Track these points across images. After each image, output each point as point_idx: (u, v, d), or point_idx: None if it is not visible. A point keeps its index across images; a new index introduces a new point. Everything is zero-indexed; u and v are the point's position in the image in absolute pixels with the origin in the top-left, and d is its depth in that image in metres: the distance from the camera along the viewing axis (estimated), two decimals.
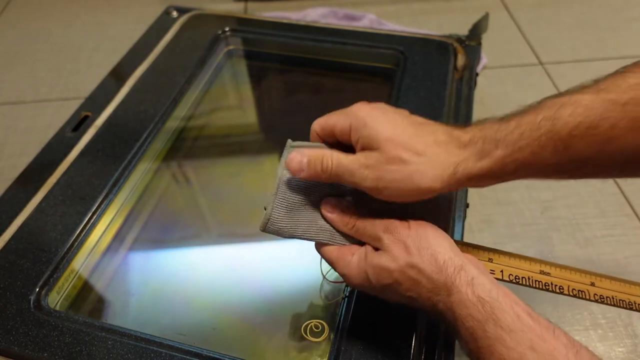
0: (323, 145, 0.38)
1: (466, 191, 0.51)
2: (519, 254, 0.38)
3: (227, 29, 0.72)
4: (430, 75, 0.62)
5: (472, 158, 0.32)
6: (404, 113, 0.36)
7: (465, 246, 0.38)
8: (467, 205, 0.51)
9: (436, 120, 0.36)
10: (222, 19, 0.74)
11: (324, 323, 0.45)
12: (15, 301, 0.42)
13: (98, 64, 0.97)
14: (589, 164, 0.31)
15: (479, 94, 0.77)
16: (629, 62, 0.33)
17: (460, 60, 0.65)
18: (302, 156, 0.36)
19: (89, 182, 0.52)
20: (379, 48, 0.68)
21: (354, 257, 0.36)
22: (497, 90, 0.90)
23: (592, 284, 0.36)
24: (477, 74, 0.65)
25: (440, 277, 0.32)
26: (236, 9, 1.10)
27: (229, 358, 0.39)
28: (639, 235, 0.68)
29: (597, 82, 0.32)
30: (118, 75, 0.65)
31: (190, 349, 0.40)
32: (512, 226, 0.69)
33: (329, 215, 0.37)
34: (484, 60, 0.95)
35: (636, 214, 0.70)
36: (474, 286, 0.31)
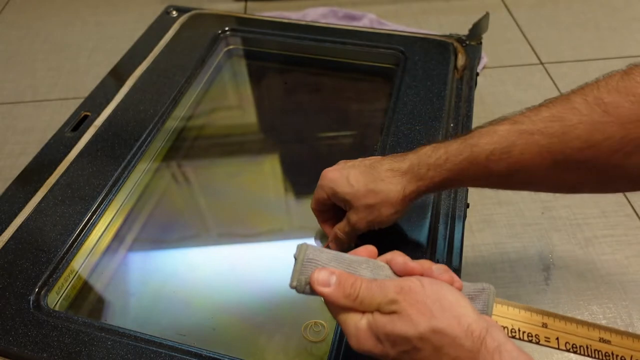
0: (337, 253, 0.35)
1: (466, 191, 0.51)
2: (575, 318, 0.35)
3: (227, 28, 0.72)
4: (430, 75, 0.62)
5: (412, 181, 0.41)
6: (357, 163, 0.45)
7: (517, 308, 0.35)
8: (467, 205, 0.51)
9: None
10: (222, 18, 0.74)
11: (324, 323, 0.45)
12: (14, 301, 0.42)
13: (98, 64, 0.97)
14: (513, 179, 0.37)
15: (479, 93, 0.77)
16: (629, 61, 0.33)
17: (461, 60, 0.65)
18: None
19: (89, 182, 0.52)
20: (379, 48, 0.68)
21: (362, 320, 0.32)
22: (497, 89, 0.90)
23: None
24: (477, 74, 0.65)
25: (466, 343, 0.29)
26: (236, 8, 1.10)
27: (228, 358, 0.39)
28: (639, 235, 0.67)
29: (515, 115, 0.38)
30: (118, 75, 0.65)
31: (190, 349, 0.40)
32: (512, 226, 0.69)
33: (324, 290, 0.33)
34: (484, 60, 0.95)
35: (636, 214, 0.70)
36: (501, 354, 0.29)
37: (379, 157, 0.45)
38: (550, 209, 0.71)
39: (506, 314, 0.35)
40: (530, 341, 0.34)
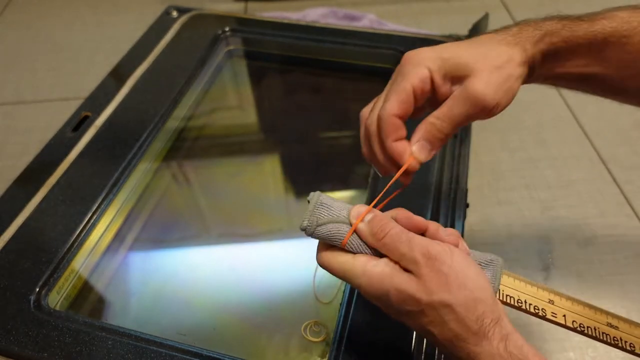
0: (346, 204, 0.35)
1: (466, 191, 0.52)
2: (581, 300, 0.34)
3: (227, 29, 0.72)
4: None
5: (528, 44, 0.37)
6: (453, 42, 0.38)
7: (524, 282, 0.34)
8: (467, 205, 0.51)
9: None
10: (222, 19, 0.74)
11: (324, 323, 0.45)
12: (15, 301, 0.42)
13: (98, 64, 0.97)
14: (622, 73, 0.36)
15: None
16: None
17: None
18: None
19: (89, 182, 0.52)
20: (378, 48, 0.68)
21: (376, 268, 0.32)
22: None
23: None
24: None
25: (474, 326, 0.30)
26: (236, 9, 1.10)
27: (229, 358, 0.39)
28: (639, 235, 0.68)
29: (633, 5, 0.36)
30: (118, 75, 0.65)
31: (190, 349, 0.40)
32: (512, 226, 0.69)
33: (358, 224, 0.33)
34: None
35: (636, 214, 0.70)
36: (507, 341, 0.29)
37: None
38: (550, 209, 0.71)
39: (512, 285, 0.34)
40: (537, 314, 0.33)
